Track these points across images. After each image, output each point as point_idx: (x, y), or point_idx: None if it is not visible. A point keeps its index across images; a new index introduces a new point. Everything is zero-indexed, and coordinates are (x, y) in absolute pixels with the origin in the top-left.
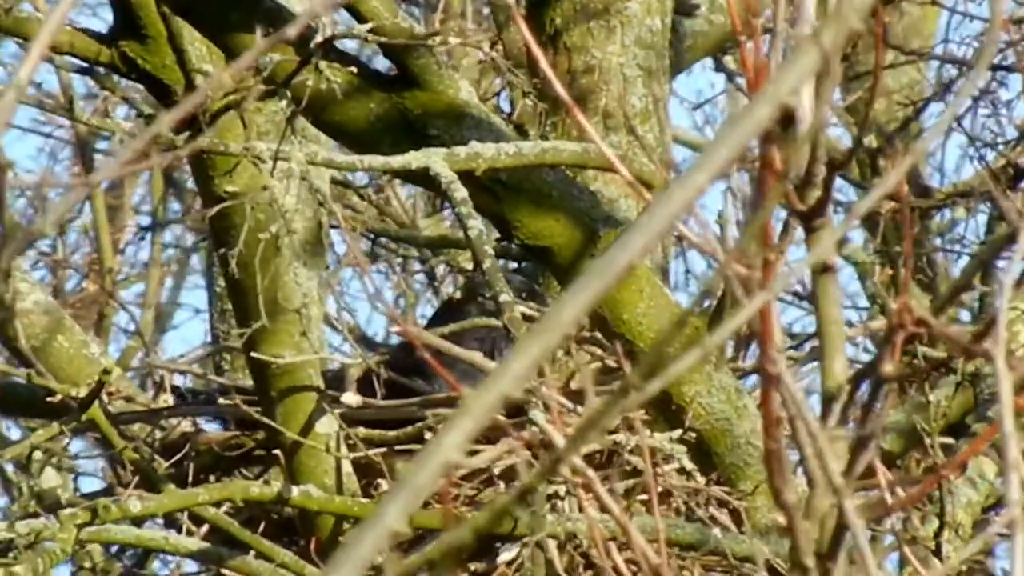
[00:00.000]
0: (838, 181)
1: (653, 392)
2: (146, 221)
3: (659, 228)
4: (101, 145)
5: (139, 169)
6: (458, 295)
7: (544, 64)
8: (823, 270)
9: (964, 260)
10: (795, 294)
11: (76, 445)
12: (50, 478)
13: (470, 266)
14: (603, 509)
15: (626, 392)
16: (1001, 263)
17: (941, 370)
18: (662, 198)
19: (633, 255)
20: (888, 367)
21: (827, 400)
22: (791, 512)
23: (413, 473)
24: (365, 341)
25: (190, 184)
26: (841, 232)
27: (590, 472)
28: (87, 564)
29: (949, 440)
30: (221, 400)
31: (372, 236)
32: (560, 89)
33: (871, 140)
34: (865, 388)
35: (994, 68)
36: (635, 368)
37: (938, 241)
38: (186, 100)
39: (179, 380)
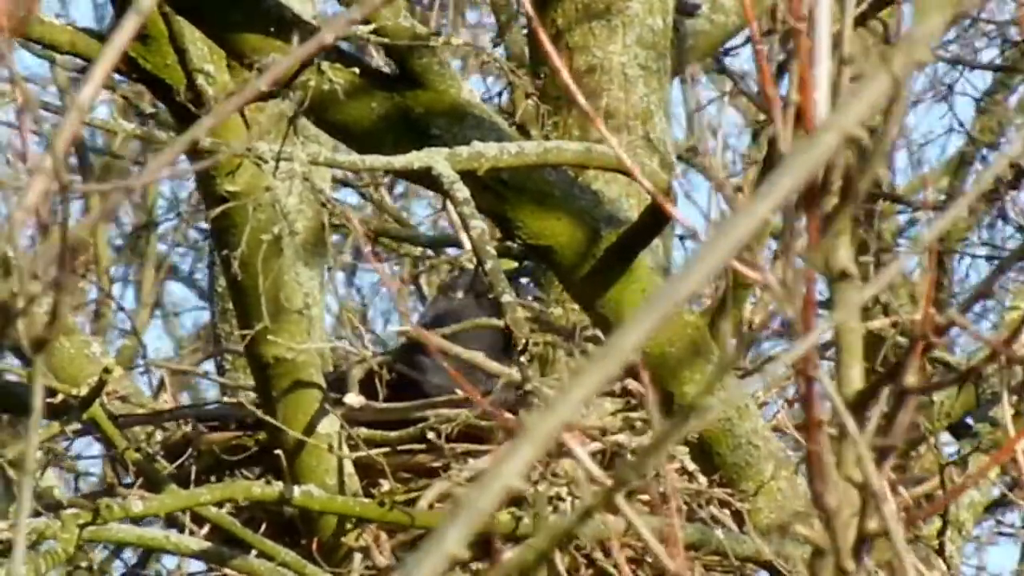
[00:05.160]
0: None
1: (709, 417)
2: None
3: (721, 257)
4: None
5: (170, 176)
6: (452, 287)
7: (564, 73)
8: (841, 277)
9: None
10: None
11: (76, 447)
12: (49, 478)
13: (471, 265)
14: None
15: (684, 418)
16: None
17: (969, 379)
18: (724, 226)
19: (696, 284)
20: (911, 378)
21: (850, 408)
22: (832, 516)
23: (474, 498)
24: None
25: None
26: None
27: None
28: (84, 564)
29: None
30: (223, 401)
31: (373, 235)
32: (581, 98)
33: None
34: (884, 396)
35: (996, 69)
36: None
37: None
38: (224, 106)
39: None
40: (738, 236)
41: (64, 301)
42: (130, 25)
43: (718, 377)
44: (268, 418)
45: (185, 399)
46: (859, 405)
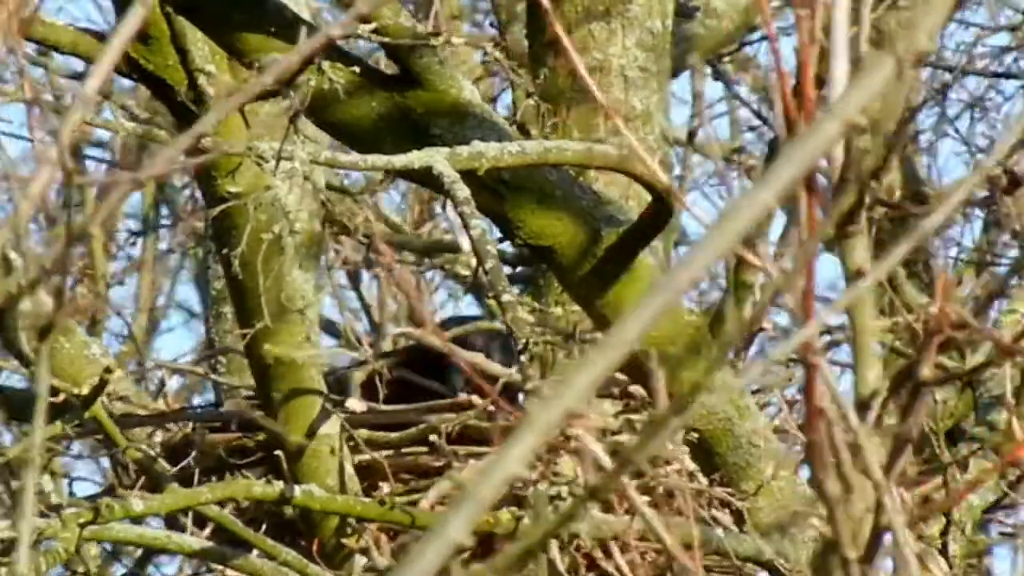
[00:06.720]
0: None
1: (708, 404)
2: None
3: (723, 245)
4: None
5: (177, 168)
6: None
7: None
8: (856, 276)
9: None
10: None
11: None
12: (45, 483)
13: (465, 272)
14: (628, 512)
15: (680, 407)
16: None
17: (982, 373)
18: (726, 215)
19: (696, 272)
20: (926, 371)
21: (861, 406)
22: (833, 504)
23: (477, 485)
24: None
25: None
26: (894, 260)
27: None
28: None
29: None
30: (225, 402)
31: (367, 240)
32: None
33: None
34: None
35: (991, 75)
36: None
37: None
38: (227, 103)
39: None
40: (740, 224)
41: (68, 286)
42: (134, 19)
43: (717, 364)
44: (269, 421)
45: (197, 401)
46: (873, 401)
